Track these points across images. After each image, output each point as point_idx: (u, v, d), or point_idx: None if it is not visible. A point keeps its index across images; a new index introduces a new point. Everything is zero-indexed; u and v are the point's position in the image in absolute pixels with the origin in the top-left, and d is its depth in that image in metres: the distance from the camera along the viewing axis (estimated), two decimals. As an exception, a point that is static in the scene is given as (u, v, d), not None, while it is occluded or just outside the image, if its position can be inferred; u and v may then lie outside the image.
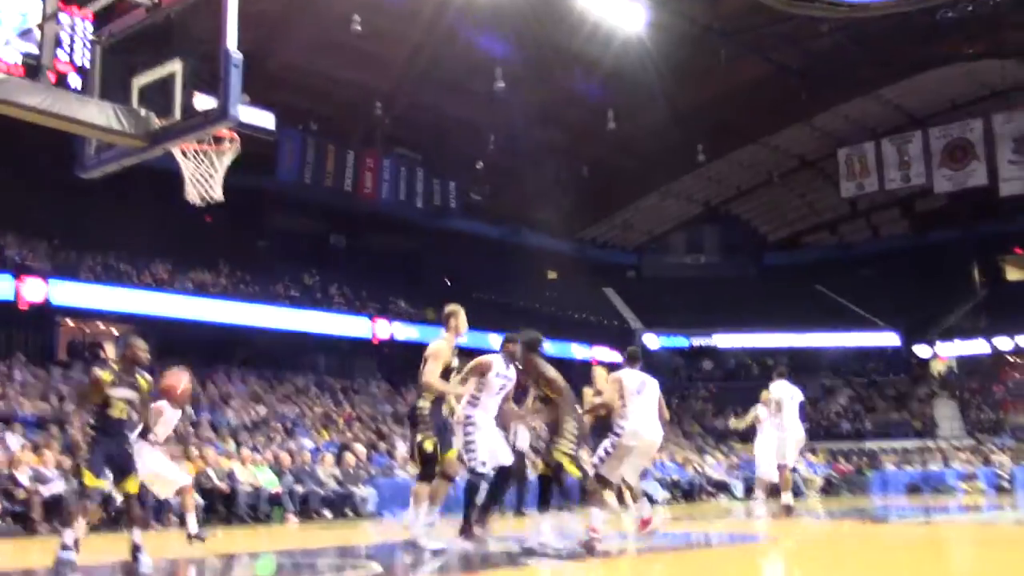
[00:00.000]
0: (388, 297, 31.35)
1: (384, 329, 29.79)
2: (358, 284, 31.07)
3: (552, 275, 41.91)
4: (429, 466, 8.14)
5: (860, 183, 37.65)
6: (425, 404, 8.31)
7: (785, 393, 12.68)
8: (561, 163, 34.41)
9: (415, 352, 32.48)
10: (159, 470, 8.33)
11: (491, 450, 8.21)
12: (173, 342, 21.40)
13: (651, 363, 39.52)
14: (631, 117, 31.55)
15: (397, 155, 33.26)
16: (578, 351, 36.19)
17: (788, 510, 12.68)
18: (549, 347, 33.81)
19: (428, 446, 8.10)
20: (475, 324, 34.36)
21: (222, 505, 14.67)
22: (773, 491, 13.41)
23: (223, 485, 14.83)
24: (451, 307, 8.78)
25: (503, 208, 36.02)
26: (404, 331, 30.46)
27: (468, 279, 34.15)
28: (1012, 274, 44.35)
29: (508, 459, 8.37)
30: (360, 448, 19.35)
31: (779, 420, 12.66)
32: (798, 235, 45.53)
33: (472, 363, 8.51)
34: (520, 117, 30.62)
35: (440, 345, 8.43)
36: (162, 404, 8.34)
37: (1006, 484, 26.95)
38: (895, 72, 33.58)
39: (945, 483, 28.02)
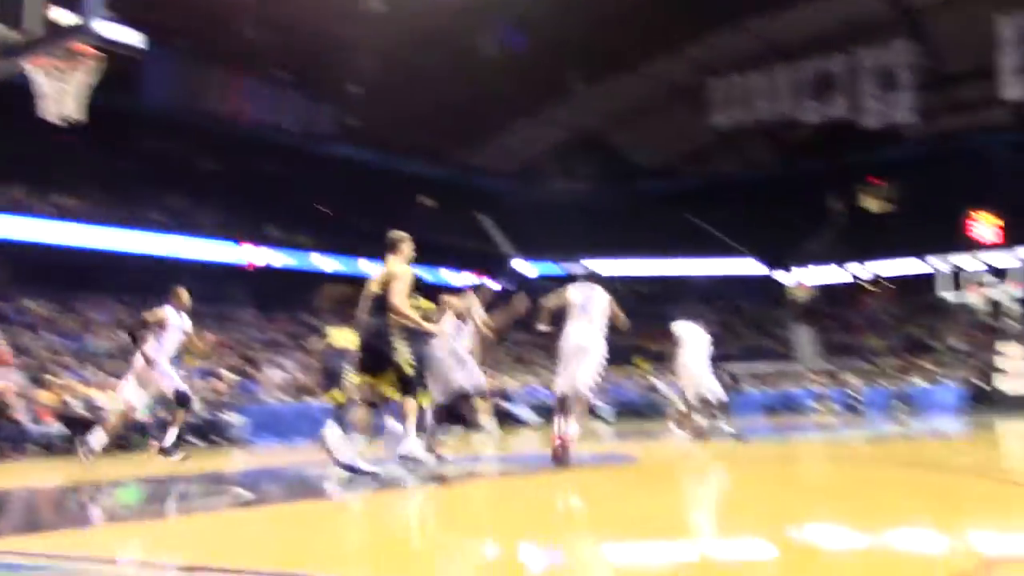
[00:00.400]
0: (260, 223, 30.68)
1: (256, 255, 29.26)
2: (229, 209, 30.27)
3: (427, 201, 41.63)
4: (410, 385, 8.20)
5: (730, 113, 38.35)
6: (395, 326, 8.22)
7: (684, 332, 12.92)
8: (438, 88, 33.91)
9: (288, 279, 32.05)
10: None
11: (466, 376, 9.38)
12: (33, 268, 20.61)
13: (526, 289, 39.95)
14: (508, 43, 31.33)
15: (271, 76, 32.28)
16: (451, 277, 36.23)
17: (699, 432, 12.95)
18: (424, 273, 33.63)
19: (408, 369, 8.16)
20: (350, 250, 34.10)
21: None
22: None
23: (87, 413, 14.45)
24: (400, 233, 8.57)
25: (378, 133, 35.37)
26: (277, 257, 29.98)
27: (343, 205, 33.64)
28: (869, 203, 46.08)
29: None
30: (230, 375, 19.08)
31: (681, 355, 12.98)
32: (670, 164, 46.11)
33: (452, 303, 9.70)
34: (397, 41, 30.04)
35: (404, 268, 8.30)
36: None
37: (857, 405, 28.33)
38: (766, 3, 34.06)
39: (801, 404, 29.32)
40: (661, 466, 10.07)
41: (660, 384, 25.85)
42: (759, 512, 5.66)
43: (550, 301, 9.87)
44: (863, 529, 4.76)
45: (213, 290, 29.09)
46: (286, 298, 30.40)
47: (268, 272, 29.57)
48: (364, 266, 33.61)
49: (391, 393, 8.16)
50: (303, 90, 32.93)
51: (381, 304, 8.06)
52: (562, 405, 9.29)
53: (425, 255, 33.47)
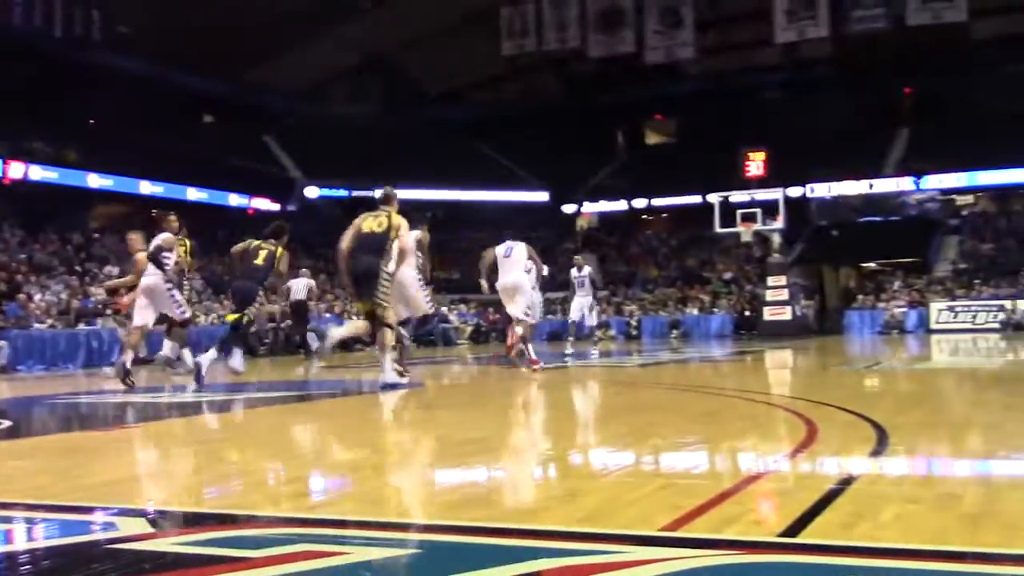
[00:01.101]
0: (22, 135, 28.54)
1: (17, 170, 27.29)
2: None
3: (208, 119, 39.90)
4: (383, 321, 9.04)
5: (520, 43, 38.47)
6: (391, 269, 9.11)
7: (499, 253, 12.61)
8: (217, 0, 32.25)
9: (54, 195, 29.99)
10: None
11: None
12: None
13: (309, 213, 39.22)
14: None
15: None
16: (236, 200, 35.10)
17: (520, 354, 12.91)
18: (201, 195, 32.23)
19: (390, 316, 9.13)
20: (125, 170, 32.30)
21: None
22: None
23: None
24: (390, 188, 9.74)
25: (154, 44, 33.32)
26: (41, 173, 28.08)
27: (114, 119, 31.64)
28: (652, 138, 47.66)
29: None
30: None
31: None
32: (458, 91, 45.97)
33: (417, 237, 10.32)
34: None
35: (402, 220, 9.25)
36: None
37: (634, 332, 29.47)
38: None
39: (582, 332, 30.16)
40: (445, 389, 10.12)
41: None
42: (529, 435, 5.74)
43: (484, 261, 12.58)
44: (631, 448, 4.89)
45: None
46: (54, 217, 28.59)
47: (29, 186, 27.64)
48: (143, 187, 32.02)
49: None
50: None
51: (380, 244, 8.93)
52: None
53: (209, 177, 32.28)
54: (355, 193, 39.57)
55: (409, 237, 9.62)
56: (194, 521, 3.23)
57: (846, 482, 3.60)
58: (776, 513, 3.20)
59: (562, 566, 2.45)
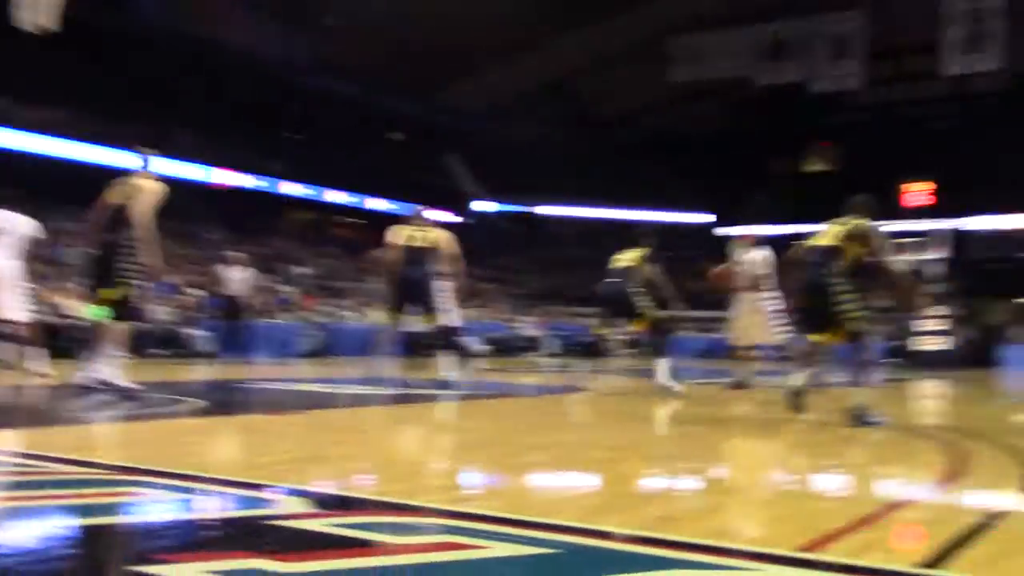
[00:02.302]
0: (231, 146, 30.22)
1: (221, 176, 29.28)
2: (202, 131, 29.65)
3: (397, 135, 41.08)
4: (124, 310, 7.78)
5: (689, 69, 38.06)
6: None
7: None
8: (412, 28, 33.17)
9: (256, 201, 31.50)
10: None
11: None
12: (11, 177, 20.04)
13: (484, 225, 39.87)
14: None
15: (253, 3, 31.44)
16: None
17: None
18: (394, 207, 33.27)
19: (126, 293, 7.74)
20: (318, 180, 33.53)
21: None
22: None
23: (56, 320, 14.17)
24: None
25: (353, 67, 34.58)
26: (244, 180, 29.97)
27: (315, 135, 33.15)
28: (814, 166, 46.26)
29: None
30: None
31: None
32: (628, 115, 45.78)
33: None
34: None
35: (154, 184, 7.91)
36: None
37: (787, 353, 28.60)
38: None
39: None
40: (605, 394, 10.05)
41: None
42: (677, 447, 5.60)
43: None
44: (778, 468, 4.72)
45: (183, 209, 28.69)
46: (253, 220, 30.17)
47: (237, 193, 29.34)
48: (329, 195, 33.56)
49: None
50: (283, 20, 32.06)
51: (120, 217, 7.58)
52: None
53: (393, 189, 33.14)
54: (526, 208, 40.03)
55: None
56: (350, 505, 3.29)
57: (993, 518, 3.36)
58: (917, 543, 3.01)
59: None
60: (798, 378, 6.96)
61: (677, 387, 9.38)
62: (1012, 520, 3.39)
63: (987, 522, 3.22)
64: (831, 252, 6.80)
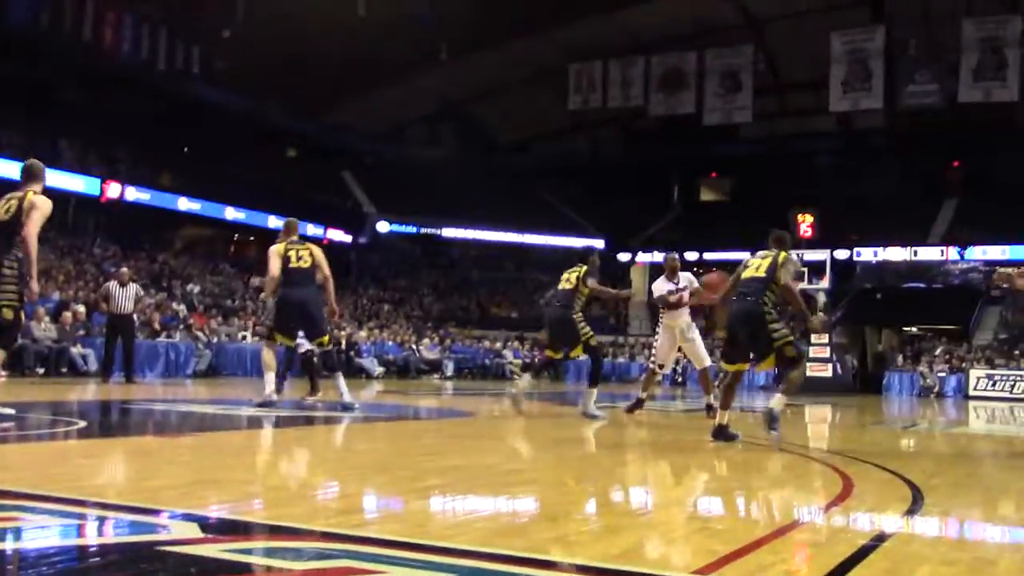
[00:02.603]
0: (120, 158, 29.29)
1: (114, 190, 28.12)
2: (89, 142, 28.72)
3: (292, 153, 40.52)
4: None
5: (586, 98, 38.58)
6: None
7: None
8: (309, 43, 32.76)
9: (146, 216, 30.61)
10: None
11: None
12: None
13: (380, 246, 39.60)
14: (383, 5, 30.59)
15: (142, 11, 30.58)
16: (312, 231, 35.62)
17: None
18: (280, 223, 32.78)
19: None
20: (212, 196, 32.84)
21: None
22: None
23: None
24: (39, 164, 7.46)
25: (247, 81, 33.96)
26: (135, 194, 28.98)
27: (206, 149, 32.32)
28: (706, 195, 47.47)
29: None
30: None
31: None
32: (526, 140, 46.22)
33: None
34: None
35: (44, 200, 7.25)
36: None
37: (680, 377, 29.16)
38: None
39: (630, 374, 30.06)
40: (499, 420, 10.04)
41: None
42: (574, 470, 5.63)
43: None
44: (672, 490, 4.77)
45: (70, 223, 27.73)
46: (143, 235, 29.30)
47: (126, 207, 28.45)
48: (228, 212, 32.85)
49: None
50: (174, 27, 31.28)
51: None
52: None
53: (289, 208, 32.70)
54: (423, 230, 39.90)
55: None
56: (242, 529, 3.19)
57: (880, 539, 3.46)
58: (809, 564, 3.07)
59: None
60: (778, 400, 7.27)
61: (601, 415, 9.60)
62: (897, 540, 3.50)
63: (874, 543, 3.31)
64: (764, 283, 7.10)
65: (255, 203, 33.26)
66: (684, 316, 10.37)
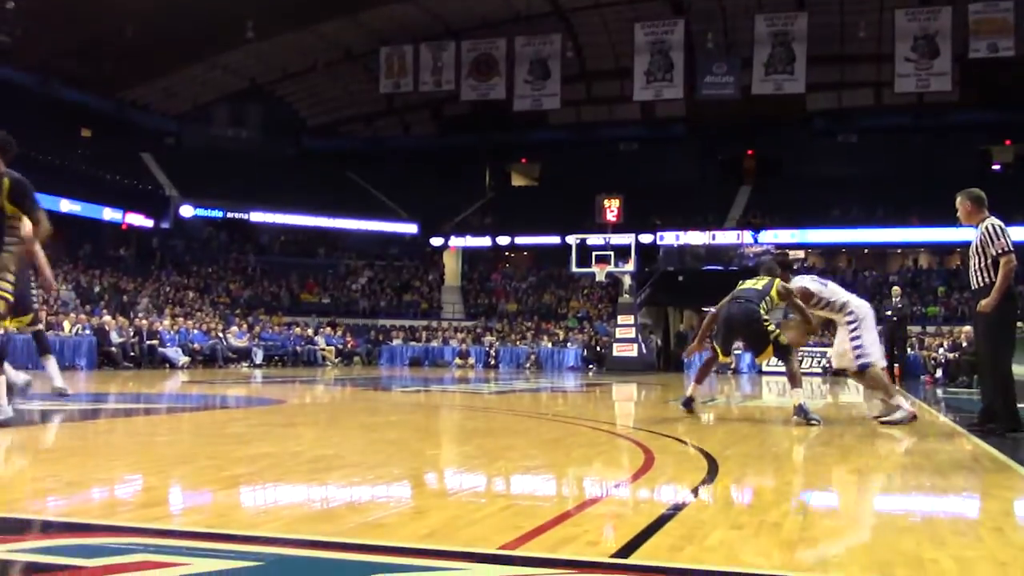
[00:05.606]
0: None
1: None
2: None
3: (86, 133, 38.34)
4: None
5: (397, 82, 38.35)
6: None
7: None
8: (104, 16, 31.05)
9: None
10: None
11: None
12: None
13: (183, 231, 38.09)
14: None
15: None
16: (110, 215, 33.83)
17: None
18: (74, 207, 31.02)
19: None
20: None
21: None
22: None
23: None
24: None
25: (34, 55, 31.89)
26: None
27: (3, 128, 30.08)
28: (517, 180, 48.19)
29: None
30: None
31: None
32: (336, 123, 45.64)
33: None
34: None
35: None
36: None
37: (492, 360, 29.51)
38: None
39: (443, 358, 30.18)
40: (310, 408, 9.88)
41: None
42: (380, 453, 5.63)
43: None
44: (479, 470, 4.83)
45: None
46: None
47: None
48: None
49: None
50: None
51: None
52: None
53: (84, 190, 31.01)
54: (229, 214, 38.66)
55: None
56: (33, 528, 3.01)
57: (677, 508, 3.63)
58: (610, 535, 3.18)
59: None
60: (798, 395, 8.14)
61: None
62: (692, 508, 3.68)
63: (671, 513, 3.47)
64: (760, 294, 8.32)
65: (45, 186, 31.25)
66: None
